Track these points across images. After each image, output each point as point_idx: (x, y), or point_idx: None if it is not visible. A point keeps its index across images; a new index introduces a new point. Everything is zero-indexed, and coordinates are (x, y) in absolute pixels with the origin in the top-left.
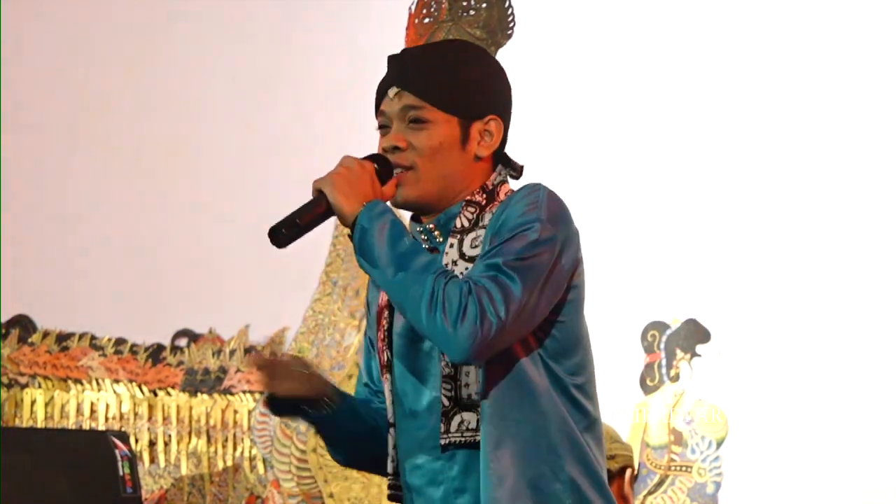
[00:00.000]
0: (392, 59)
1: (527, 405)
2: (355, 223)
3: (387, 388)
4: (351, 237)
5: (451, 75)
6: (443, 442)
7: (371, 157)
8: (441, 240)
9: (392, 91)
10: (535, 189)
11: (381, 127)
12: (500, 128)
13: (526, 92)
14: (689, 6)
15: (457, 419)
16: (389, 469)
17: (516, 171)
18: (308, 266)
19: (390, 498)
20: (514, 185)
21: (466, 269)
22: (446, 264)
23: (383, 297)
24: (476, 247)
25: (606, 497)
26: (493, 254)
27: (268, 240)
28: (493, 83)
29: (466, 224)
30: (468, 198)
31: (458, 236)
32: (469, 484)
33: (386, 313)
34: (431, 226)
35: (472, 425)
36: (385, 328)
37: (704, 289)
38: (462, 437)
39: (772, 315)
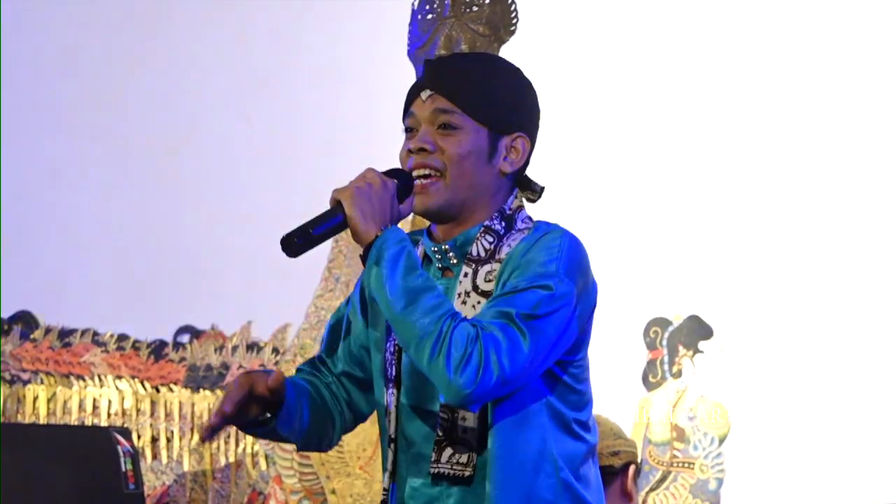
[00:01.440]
0: (429, 63)
1: (528, 447)
2: (371, 246)
3: (392, 401)
4: (362, 257)
5: (486, 85)
6: (433, 471)
7: (392, 173)
8: (455, 262)
9: (425, 94)
10: (558, 236)
11: (408, 130)
12: (527, 147)
13: None
14: (692, 2)
15: (448, 451)
16: (386, 484)
17: (535, 192)
18: (310, 262)
19: None
20: (530, 208)
21: (478, 302)
22: (459, 293)
23: None
24: (490, 281)
25: None
26: (506, 301)
27: (268, 235)
28: (525, 101)
29: (483, 254)
30: (486, 223)
31: (474, 266)
32: None
33: None
34: (446, 247)
35: (463, 460)
36: (396, 342)
37: (707, 285)
38: (451, 469)
39: (774, 311)
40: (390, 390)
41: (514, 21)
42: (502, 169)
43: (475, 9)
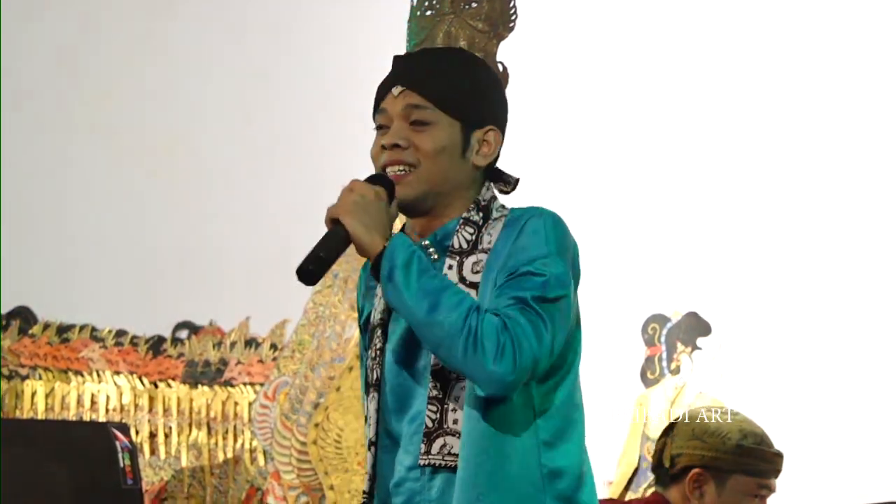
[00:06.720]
0: (398, 59)
1: (503, 437)
2: (380, 258)
3: (372, 406)
4: (373, 270)
5: (457, 80)
6: (422, 463)
7: (374, 180)
8: (436, 257)
9: (396, 90)
10: (540, 219)
11: (379, 127)
12: (498, 140)
13: (529, 85)
14: (690, 1)
15: (439, 442)
16: (366, 488)
17: (509, 184)
18: None
19: None
20: (503, 199)
21: (468, 294)
22: None
23: (375, 316)
24: (477, 272)
25: None
26: (515, 286)
27: (266, 231)
28: (495, 94)
29: (465, 245)
30: (465, 215)
31: (457, 258)
32: None
33: (379, 332)
34: (426, 243)
35: (455, 450)
36: (378, 347)
37: (705, 282)
38: (443, 460)
39: (772, 308)
40: (371, 395)
41: (514, 18)
42: (475, 162)
43: (474, 5)
